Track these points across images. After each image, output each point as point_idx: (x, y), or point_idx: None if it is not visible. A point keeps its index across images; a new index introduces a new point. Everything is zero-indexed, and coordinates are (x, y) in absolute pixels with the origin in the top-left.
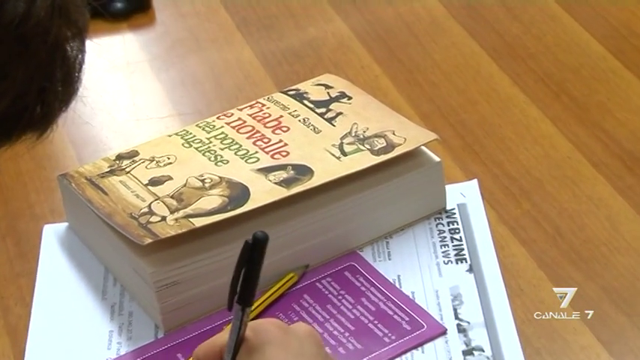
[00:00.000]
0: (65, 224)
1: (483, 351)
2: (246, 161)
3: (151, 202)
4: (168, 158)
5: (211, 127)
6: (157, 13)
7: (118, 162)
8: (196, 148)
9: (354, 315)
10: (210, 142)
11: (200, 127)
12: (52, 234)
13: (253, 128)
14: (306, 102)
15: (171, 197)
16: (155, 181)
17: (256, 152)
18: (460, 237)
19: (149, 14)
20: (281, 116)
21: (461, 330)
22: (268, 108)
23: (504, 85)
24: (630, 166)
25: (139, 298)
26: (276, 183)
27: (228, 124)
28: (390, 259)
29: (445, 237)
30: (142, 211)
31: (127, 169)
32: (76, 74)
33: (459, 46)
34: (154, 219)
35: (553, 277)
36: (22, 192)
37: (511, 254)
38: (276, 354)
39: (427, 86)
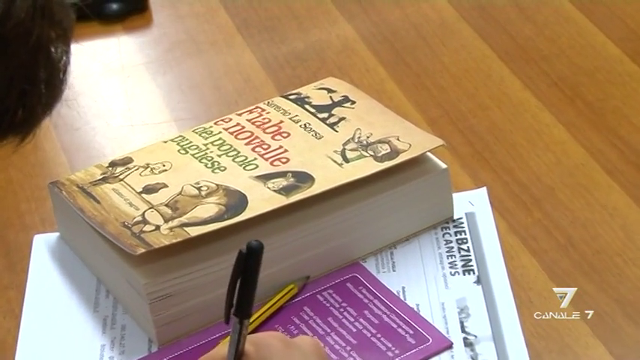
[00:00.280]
0: (56, 234)
1: None
2: (244, 168)
3: (145, 211)
4: (164, 165)
5: (208, 132)
6: (154, 15)
7: (111, 169)
8: (193, 155)
9: (357, 328)
10: (207, 149)
11: (197, 132)
12: (42, 244)
13: (252, 134)
14: (307, 107)
15: (166, 205)
16: (149, 189)
17: (255, 159)
18: (468, 247)
19: (146, 16)
20: (281, 121)
21: (467, 344)
22: (268, 113)
23: (516, 89)
24: None
25: (132, 311)
26: (275, 191)
27: (226, 129)
28: (394, 270)
29: (452, 247)
30: (135, 220)
31: (121, 177)
32: (61, 76)
33: (468, 48)
34: (147, 228)
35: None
36: (11, 201)
37: (521, 265)
38: None
39: (435, 90)
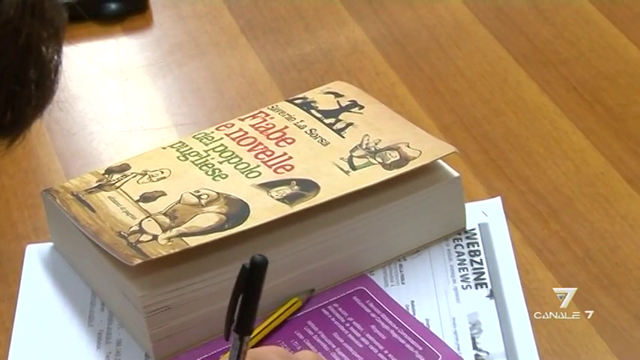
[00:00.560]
0: (49, 244)
1: None
2: (246, 176)
3: (142, 220)
4: (162, 172)
5: (209, 138)
6: (155, 15)
7: (107, 176)
8: (193, 162)
9: (363, 344)
10: (208, 155)
11: (197, 138)
12: (35, 254)
13: (255, 140)
14: (313, 112)
15: (164, 214)
16: (147, 197)
17: (258, 166)
18: (480, 260)
19: (146, 16)
20: (286, 127)
21: None
22: (272, 118)
23: (533, 94)
24: None
25: (128, 325)
26: (278, 199)
27: (228, 135)
28: (403, 284)
29: (464, 260)
30: (131, 229)
31: (117, 184)
32: (52, 77)
33: (484, 51)
34: (144, 238)
35: (583, 306)
36: (3, 209)
37: (536, 279)
38: None
39: (448, 95)
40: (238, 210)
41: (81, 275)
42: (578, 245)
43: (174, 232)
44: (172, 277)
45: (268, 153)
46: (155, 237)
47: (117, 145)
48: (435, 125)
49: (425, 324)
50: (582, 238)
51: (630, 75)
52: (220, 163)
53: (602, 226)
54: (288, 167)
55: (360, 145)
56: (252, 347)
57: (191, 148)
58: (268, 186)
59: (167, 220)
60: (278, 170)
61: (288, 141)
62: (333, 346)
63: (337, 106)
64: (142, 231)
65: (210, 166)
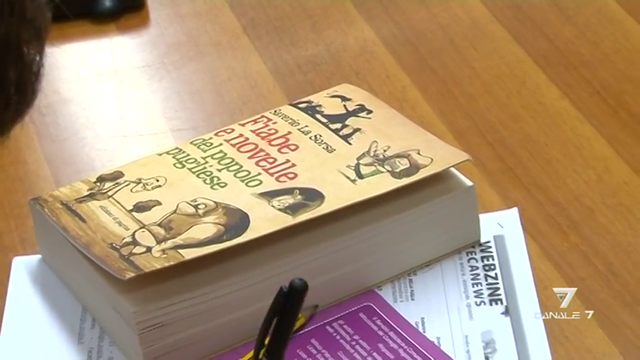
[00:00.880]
0: (37, 256)
1: None
2: (246, 184)
3: (136, 231)
4: (157, 180)
5: (208, 144)
6: (151, 13)
7: (99, 184)
8: (190, 169)
9: None
10: (206, 162)
11: (195, 144)
12: (22, 267)
13: (256, 146)
14: (318, 116)
15: (159, 225)
16: (141, 207)
17: (259, 174)
18: (495, 274)
19: (142, 14)
20: (289, 132)
21: None
22: (275, 123)
23: (553, 98)
24: None
25: (120, 342)
26: (280, 209)
27: (227, 141)
28: (412, 299)
29: (478, 274)
30: (124, 240)
31: (109, 193)
32: (33, 80)
33: (501, 52)
34: (137, 250)
35: (604, 323)
36: None
37: (555, 295)
38: None
39: (463, 99)
40: (237, 221)
41: (70, 289)
42: (599, 259)
43: (169, 243)
44: (167, 291)
45: (270, 160)
46: (149, 249)
47: (110, 151)
48: (449, 131)
49: (436, 342)
50: (604, 251)
51: None
52: (219, 170)
53: (625, 239)
54: (291, 175)
55: (368, 152)
56: None
57: (188, 155)
58: (270, 195)
59: (162, 231)
60: (280, 178)
61: (292, 147)
62: None
63: (344, 111)
64: (135, 243)
65: (208, 174)
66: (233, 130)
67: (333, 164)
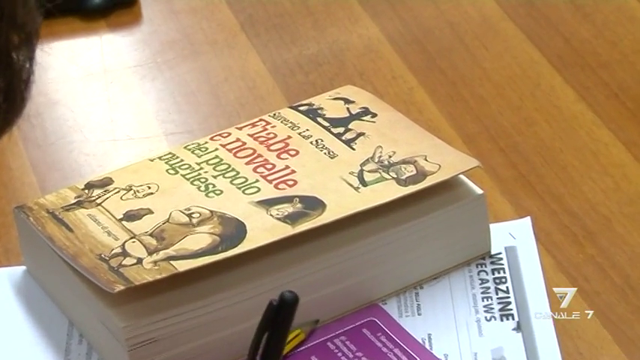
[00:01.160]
0: (22, 268)
1: None
2: (243, 192)
3: (126, 241)
4: (149, 187)
5: (203, 149)
6: (144, 10)
7: (87, 192)
8: (183, 176)
9: None
10: (201, 168)
11: (189, 149)
12: (5, 279)
13: (254, 151)
14: (320, 120)
15: (151, 235)
16: (131, 216)
17: (257, 181)
18: (507, 288)
19: (134, 11)
20: (289, 137)
21: None
22: (274, 127)
23: (569, 100)
24: None
25: (109, 359)
26: (279, 219)
27: (223, 146)
28: (419, 314)
29: (488, 288)
30: (113, 251)
31: (98, 201)
32: (23, 88)
33: (514, 52)
34: (128, 261)
35: (621, 339)
36: None
37: (569, 309)
38: None
39: (473, 102)
40: (234, 230)
41: (57, 303)
42: (616, 272)
43: (161, 254)
44: (159, 306)
45: (269, 166)
46: (140, 260)
47: (99, 156)
48: (458, 135)
49: None
50: (621, 263)
51: None
52: (214, 177)
53: None
54: (290, 182)
55: (372, 157)
56: None
57: (182, 161)
58: (268, 203)
59: (153, 242)
60: (279, 186)
61: (292, 153)
62: None
63: (347, 114)
64: (125, 253)
65: (203, 180)
66: (230, 134)
67: (335, 171)
